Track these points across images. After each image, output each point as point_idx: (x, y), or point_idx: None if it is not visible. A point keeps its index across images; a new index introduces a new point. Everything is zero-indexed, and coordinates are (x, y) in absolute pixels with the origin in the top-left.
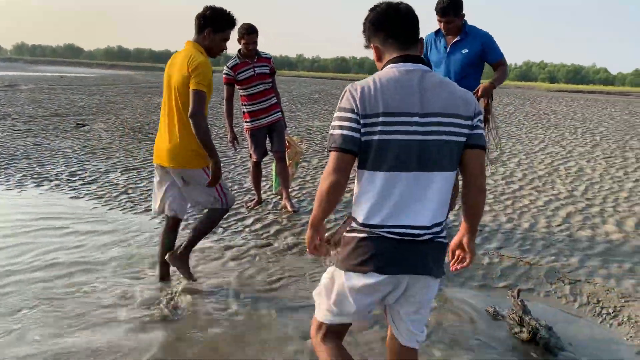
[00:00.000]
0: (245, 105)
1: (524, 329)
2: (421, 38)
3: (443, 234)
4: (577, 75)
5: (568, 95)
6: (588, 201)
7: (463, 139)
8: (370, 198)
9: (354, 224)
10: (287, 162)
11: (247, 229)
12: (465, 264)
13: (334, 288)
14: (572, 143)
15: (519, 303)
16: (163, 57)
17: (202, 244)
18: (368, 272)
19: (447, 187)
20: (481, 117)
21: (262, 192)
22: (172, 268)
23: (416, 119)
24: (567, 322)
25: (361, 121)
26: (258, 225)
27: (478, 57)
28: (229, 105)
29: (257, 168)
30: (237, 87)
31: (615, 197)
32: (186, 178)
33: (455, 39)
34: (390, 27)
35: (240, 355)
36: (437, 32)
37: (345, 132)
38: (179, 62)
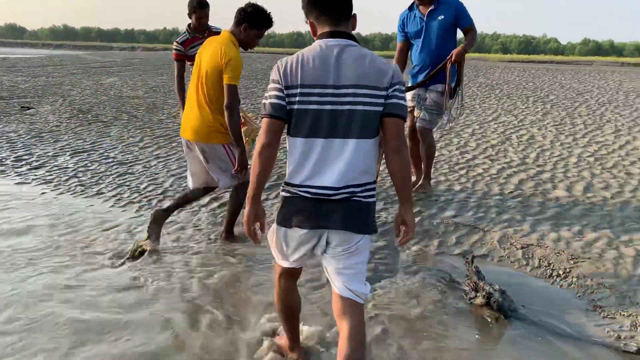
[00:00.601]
0: None
1: (478, 294)
2: (354, 14)
3: (365, 194)
4: (528, 45)
5: (520, 66)
6: (539, 168)
7: (379, 108)
8: (293, 161)
9: (285, 183)
10: (244, 140)
11: (203, 209)
12: (408, 237)
13: (274, 238)
14: (524, 112)
15: (474, 269)
16: (112, 35)
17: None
18: (292, 227)
19: (363, 153)
20: (399, 87)
21: None
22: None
23: (331, 90)
24: (520, 285)
25: (284, 92)
26: (215, 205)
27: (453, 23)
28: (180, 82)
29: None
30: (188, 63)
31: (565, 163)
32: (207, 152)
33: (430, 8)
34: (323, 5)
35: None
36: (410, 7)
37: (272, 100)
38: (212, 49)
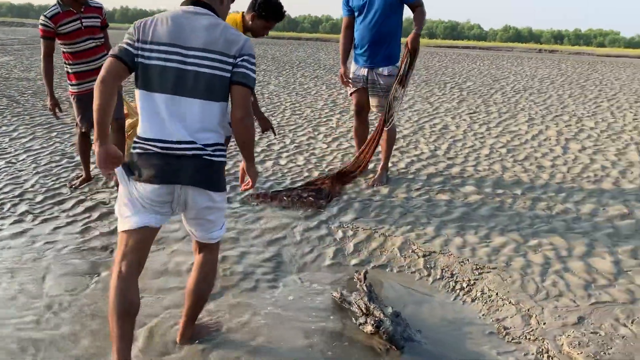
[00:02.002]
0: (69, 64)
1: (368, 320)
2: None
3: (215, 153)
4: (453, 31)
5: (442, 51)
6: (450, 161)
7: (226, 74)
8: (143, 115)
9: (136, 138)
10: (126, 134)
11: (64, 214)
12: (249, 186)
13: (124, 194)
14: (440, 99)
15: (365, 288)
16: (24, 10)
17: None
18: (143, 181)
19: (210, 114)
20: (249, 58)
21: (91, 167)
22: None
23: (178, 49)
24: (419, 302)
25: (135, 44)
26: (79, 209)
27: None
28: (47, 64)
29: (84, 140)
30: (59, 42)
31: (476, 155)
32: None
33: None
34: None
35: None
36: None
37: (121, 45)
38: None
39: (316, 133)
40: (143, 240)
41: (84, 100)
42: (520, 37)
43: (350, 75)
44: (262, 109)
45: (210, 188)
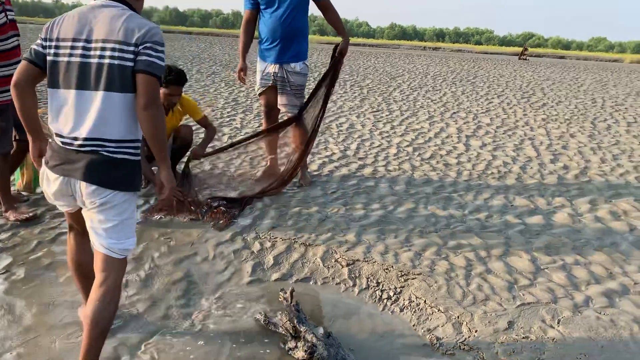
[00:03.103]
0: None
1: (299, 345)
2: None
3: (118, 149)
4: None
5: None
6: (360, 161)
7: (128, 63)
8: (51, 110)
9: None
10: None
11: None
12: (161, 197)
13: (44, 177)
14: (343, 97)
15: (293, 308)
16: None
17: None
18: (49, 169)
19: (113, 107)
20: (152, 45)
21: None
22: None
23: (82, 43)
24: (347, 316)
25: (44, 44)
26: None
27: None
28: None
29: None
30: None
31: (385, 155)
32: None
33: None
34: None
35: None
36: None
37: (33, 47)
38: None
39: (220, 134)
40: (74, 216)
41: (5, 113)
42: (405, 34)
43: (258, 75)
44: None
45: (106, 185)
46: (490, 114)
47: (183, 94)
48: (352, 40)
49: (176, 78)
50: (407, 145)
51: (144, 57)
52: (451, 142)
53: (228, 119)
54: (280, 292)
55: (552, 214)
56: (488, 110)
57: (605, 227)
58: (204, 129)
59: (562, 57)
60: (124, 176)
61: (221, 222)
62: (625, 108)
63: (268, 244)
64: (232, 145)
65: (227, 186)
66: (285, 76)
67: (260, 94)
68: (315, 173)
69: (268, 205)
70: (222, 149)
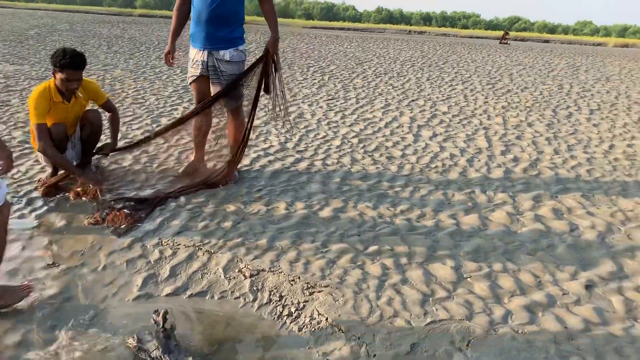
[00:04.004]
0: None
1: None
2: None
3: None
4: (329, 12)
5: (315, 32)
6: (299, 154)
7: None
8: None
9: None
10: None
11: None
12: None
13: None
14: (301, 84)
15: (161, 334)
16: None
17: None
18: None
19: None
20: None
21: None
22: None
23: None
24: (239, 338)
25: None
26: None
27: None
28: None
29: None
30: None
31: (327, 147)
32: None
33: None
34: None
35: None
36: None
37: None
38: None
39: (155, 125)
40: None
41: None
42: (392, 18)
43: (189, 62)
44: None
45: None
46: (450, 102)
47: (85, 77)
48: (337, 24)
49: (71, 62)
50: (354, 137)
51: None
52: (401, 133)
53: (170, 109)
54: (153, 314)
55: (491, 212)
56: (449, 98)
57: (544, 228)
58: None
59: (546, 42)
60: None
61: (122, 226)
62: (592, 94)
63: (169, 252)
64: (147, 139)
65: (143, 184)
66: (217, 65)
67: (190, 83)
68: (246, 168)
69: (182, 205)
70: (137, 144)
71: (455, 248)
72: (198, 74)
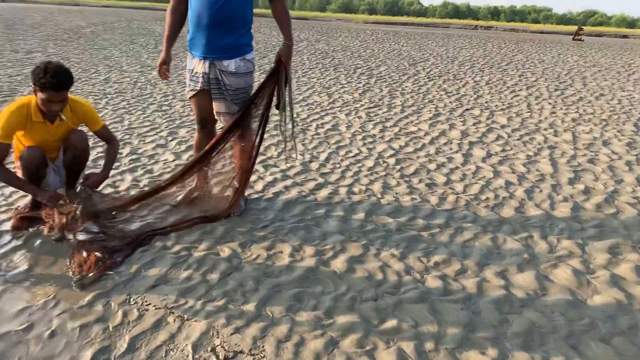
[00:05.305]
0: None
1: None
2: None
3: None
4: (394, 7)
5: (374, 28)
6: (322, 178)
7: None
8: None
9: None
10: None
11: None
12: None
13: None
14: (343, 88)
15: None
16: None
17: None
18: None
19: None
20: None
21: None
22: None
23: None
24: None
25: None
26: None
27: None
28: None
29: None
30: None
31: (357, 169)
32: None
33: None
34: None
35: None
36: None
37: None
38: None
39: (170, 139)
40: None
41: None
42: (458, 12)
43: (187, 74)
44: None
45: None
46: (511, 112)
47: (75, 97)
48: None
49: (52, 81)
50: (391, 156)
51: None
52: (448, 152)
53: (192, 119)
54: None
55: (552, 268)
56: (509, 107)
57: (624, 297)
58: (105, 143)
59: (624, 37)
60: None
61: (90, 274)
62: None
63: (134, 315)
64: (143, 196)
65: (133, 213)
66: (220, 77)
67: (190, 98)
68: (256, 196)
69: (169, 247)
70: (131, 201)
71: (500, 326)
72: (198, 87)
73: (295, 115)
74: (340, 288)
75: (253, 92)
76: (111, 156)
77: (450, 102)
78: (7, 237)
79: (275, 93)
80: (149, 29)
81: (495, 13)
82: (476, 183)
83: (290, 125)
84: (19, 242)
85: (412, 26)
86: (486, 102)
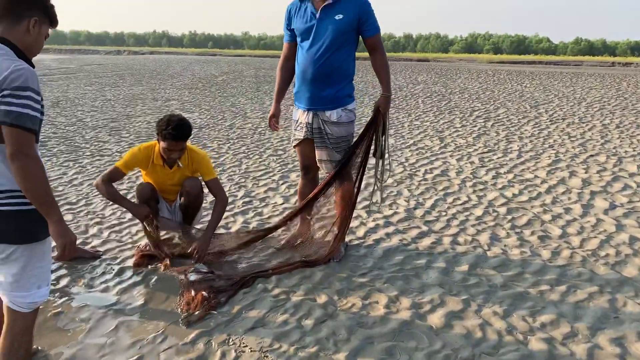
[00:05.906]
0: None
1: None
2: (34, 19)
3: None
4: (520, 45)
5: (499, 68)
6: (425, 226)
7: None
8: None
9: None
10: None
11: None
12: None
13: None
14: (457, 132)
15: None
16: (101, 39)
17: None
18: None
19: None
20: (7, 93)
21: None
22: None
23: None
24: None
25: None
26: None
27: (353, 27)
28: None
29: None
30: None
31: (464, 218)
32: None
33: (327, 2)
34: None
35: None
36: None
37: None
38: None
39: (281, 182)
40: None
41: None
42: (593, 49)
43: (293, 123)
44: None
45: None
46: None
47: (194, 147)
48: (526, 57)
49: (172, 133)
50: (502, 204)
51: (3, 107)
52: (566, 202)
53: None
54: None
55: None
56: None
57: None
58: (213, 197)
59: None
60: (16, 228)
61: (196, 313)
62: None
63: (232, 355)
64: (252, 239)
65: (241, 255)
66: (322, 127)
67: (294, 146)
68: (357, 242)
69: (269, 289)
70: (241, 245)
71: None
72: (302, 136)
73: (404, 160)
74: (435, 344)
75: (354, 140)
76: (216, 214)
77: (573, 147)
78: (129, 273)
79: (373, 141)
80: (273, 76)
81: (635, 48)
82: (595, 237)
83: (380, 176)
84: (138, 278)
85: (539, 65)
86: (614, 148)
